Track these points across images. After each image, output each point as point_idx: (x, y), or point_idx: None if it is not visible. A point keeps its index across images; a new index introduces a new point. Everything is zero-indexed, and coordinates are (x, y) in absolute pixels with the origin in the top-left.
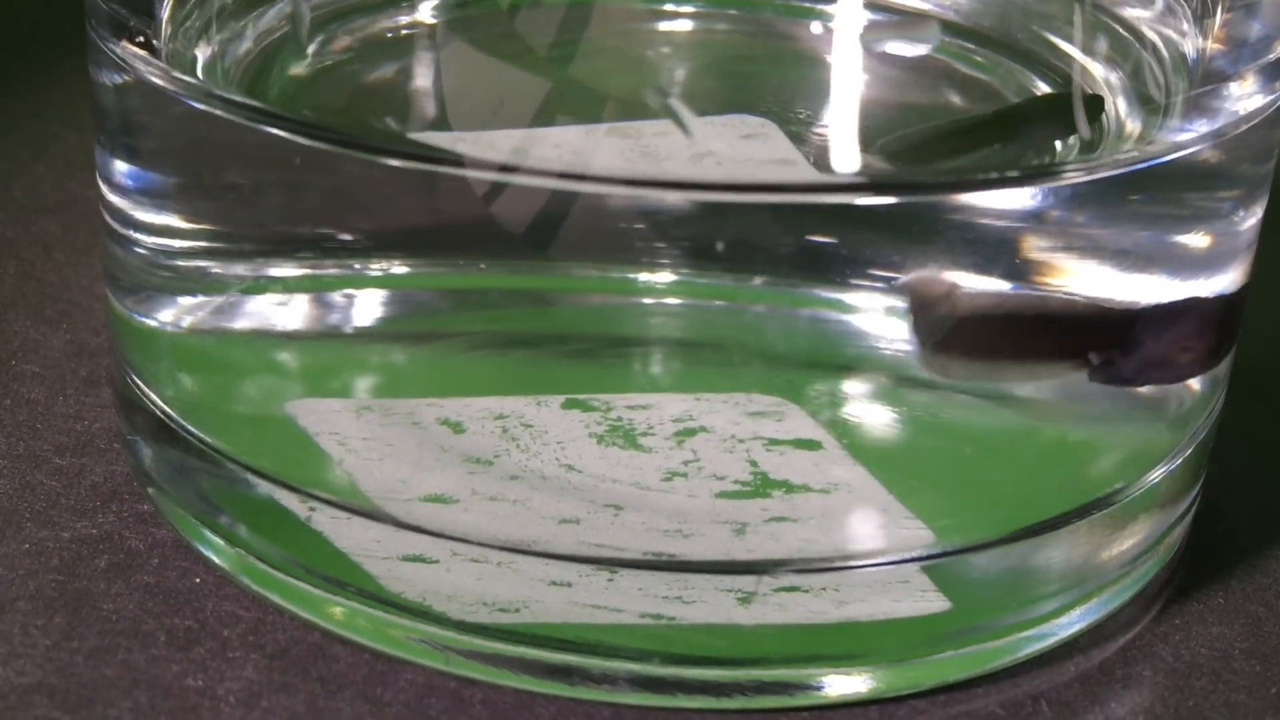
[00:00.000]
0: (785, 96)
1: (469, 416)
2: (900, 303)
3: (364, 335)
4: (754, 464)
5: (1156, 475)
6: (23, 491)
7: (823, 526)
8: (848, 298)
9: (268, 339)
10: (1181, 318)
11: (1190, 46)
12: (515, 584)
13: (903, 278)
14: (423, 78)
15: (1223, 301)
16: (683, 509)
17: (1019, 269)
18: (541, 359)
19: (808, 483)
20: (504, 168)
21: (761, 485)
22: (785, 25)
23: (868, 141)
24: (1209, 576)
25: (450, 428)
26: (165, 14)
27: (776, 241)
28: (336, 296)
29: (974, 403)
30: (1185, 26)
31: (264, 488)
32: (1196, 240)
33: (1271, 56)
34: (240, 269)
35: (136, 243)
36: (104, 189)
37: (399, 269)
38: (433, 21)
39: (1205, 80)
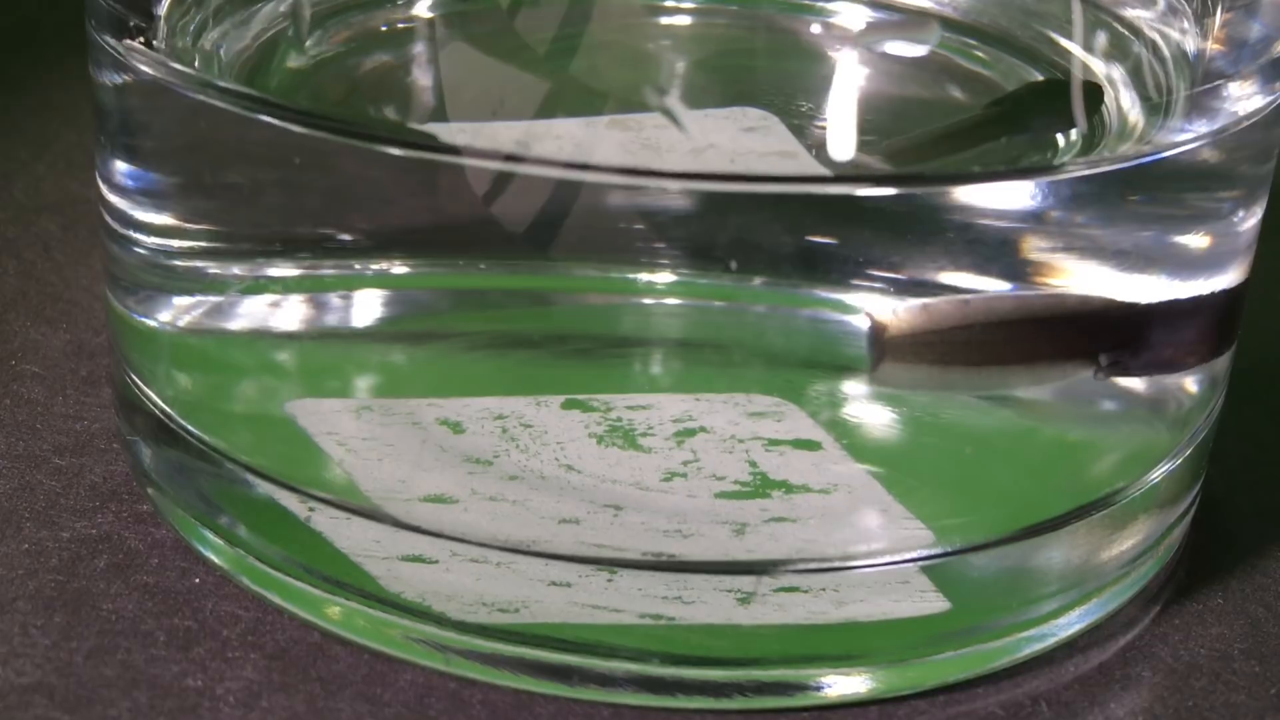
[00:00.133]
0: (786, 90)
1: (469, 416)
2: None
3: (363, 335)
4: (754, 464)
5: (1156, 475)
6: (22, 491)
7: (822, 527)
8: (848, 298)
9: (267, 339)
10: (1190, 318)
11: (1190, 46)
12: (515, 584)
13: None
14: (422, 74)
15: (1222, 301)
16: (682, 509)
17: (1019, 269)
18: (541, 359)
19: (807, 483)
20: (505, 157)
21: (761, 485)
22: (785, 22)
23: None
24: (1208, 577)
25: (450, 428)
26: (163, 12)
27: (777, 241)
28: (336, 296)
29: (974, 403)
30: (1185, 26)
31: (263, 488)
32: (1196, 240)
33: (1271, 56)
34: (240, 269)
35: (136, 242)
36: (104, 189)
37: (399, 269)
38: (431, 16)
39: (1205, 80)
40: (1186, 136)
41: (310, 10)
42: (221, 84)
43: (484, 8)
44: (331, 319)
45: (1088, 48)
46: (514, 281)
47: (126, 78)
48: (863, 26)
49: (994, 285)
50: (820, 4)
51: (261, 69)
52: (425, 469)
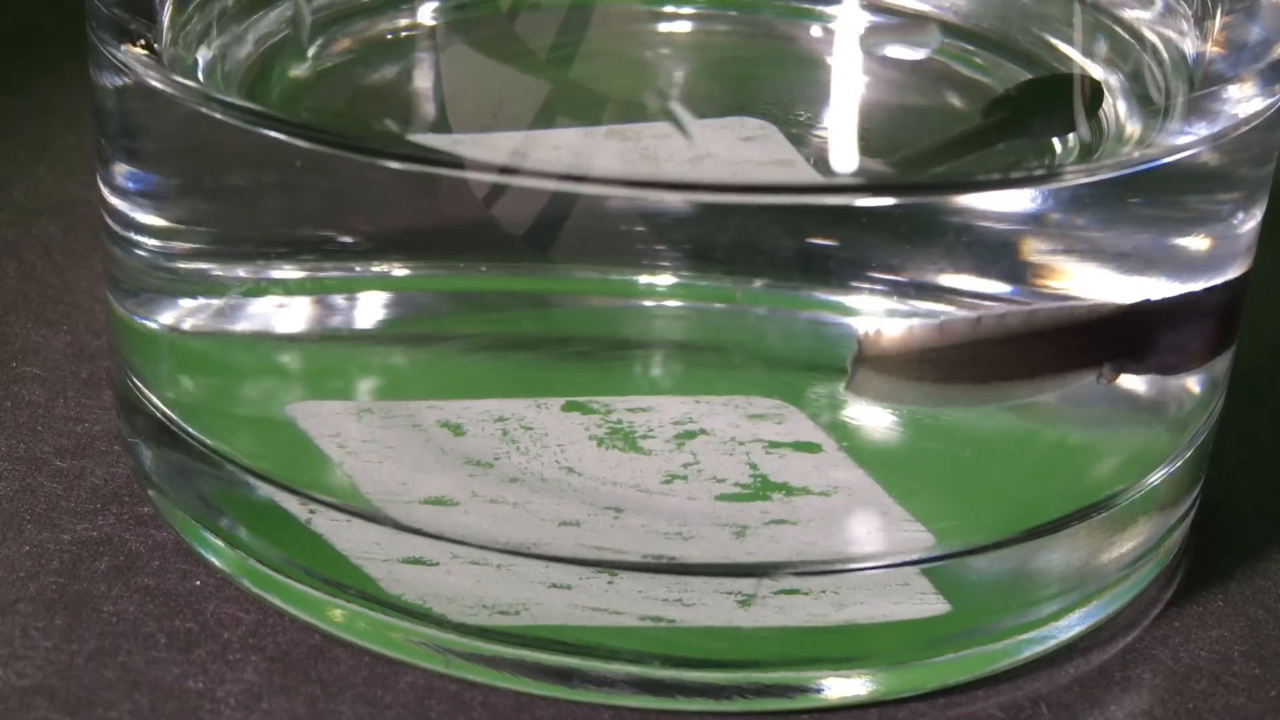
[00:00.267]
0: (785, 98)
1: (469, 419)
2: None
3: (364, 337)
4: (754, 466)
5: (1156, 478)
6: (23, 494)
7: (822, 529)
8: (848, 300)
9: (268, 341)
10: (1190, 319)
11: (1190, 49)
12: (515, 586)
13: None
14: (423, 80)
15: (1222, 303)
16: (683, 511)
17: (1020, 272)
18: (542, 361)
19: (807, 485)
20: (503, 169)
21: (761, 488)
22: (785, 27)
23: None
24: (1208, 579)
25: (450, 430)
26: (166, 18)
27: (777, 244)
28: (337, 299)
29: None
30: (1185, 29)
31: (264, 490)
32: (1196, 242)
33: (1271, 59)
34: (241, 271)
35: (137, 245)
36: (104, 191)
37: (399, 271)
38: (433, 24)
39: (1205, 83)
40: (1186, 139)
41: (312, 18)
42: (222, 97)
43: (485, 14)
44: (332, 321)
45: (1087, 52)
46: (514, 284)
47: (127, 81)
48: (862, 31)
49: (994, 288)
50: (820, 9)
51: (263, 77)
52: (426, 471)
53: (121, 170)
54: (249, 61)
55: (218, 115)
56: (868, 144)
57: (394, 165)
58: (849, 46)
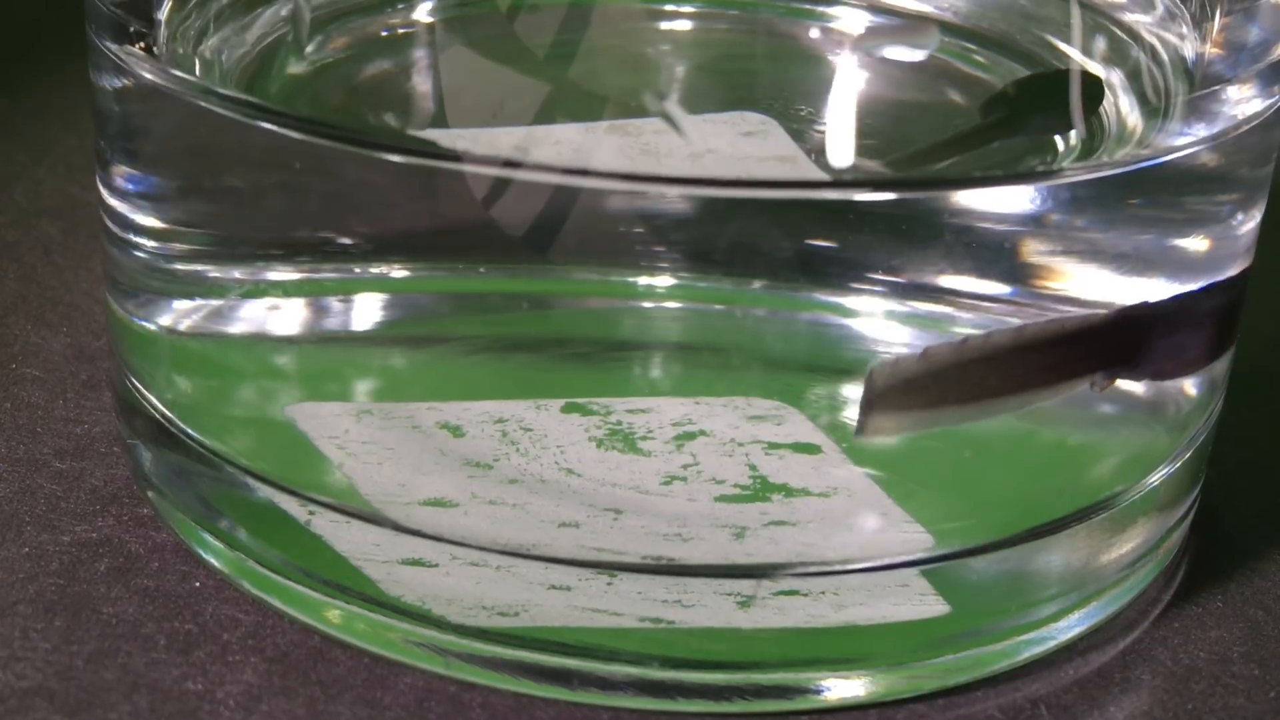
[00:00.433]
0: (785, 94)
1: (469, 420)
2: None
3: (363, 339)
4: (753, 468)
5: (1155, 479)
6: (23, 495)
7: (822, 530)
8: (847, 301)
9: (267, 343)
10: (1189, 321)
11: (1189, 50)
12: (515, 588)
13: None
14: (422, 78)
15: (1221, 304)
16: (682, 513)
17: (1019, 272)
18: (541, 362)
19: (807, 486)
20: (504, 163)
21: (761, 489)
22: (785, 26)
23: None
24: (1208, 580)
25: (450, 431)
26: (164, 17)
27: (776, 245)
28: (336, 300)
29: None
30: (1184, 30)
31: (264, 491)
32: (1195, 243)
33: (1270, 60)
34: (240, 273)
35: (136, 246)
36: (104, 193)
37: (398, 273)
38: (431, 21)
39: (1204, 84)
40: (1185, 140)
41: (310, 15)
42: (222, 91)
43: (484, 12)
44: (331, 323)
45: (1087, 52)
46: (514, 285)
47: (126, 82)
48: (862, 31)
49: (994, 289)
50: (820, 8)
51: (262, 74)
52: (425, 472)
53: (121, 172)
54: (247, 59)
55: (217, 110)
56: (868, 140)
57: (393, 160)
58: (848, 46)
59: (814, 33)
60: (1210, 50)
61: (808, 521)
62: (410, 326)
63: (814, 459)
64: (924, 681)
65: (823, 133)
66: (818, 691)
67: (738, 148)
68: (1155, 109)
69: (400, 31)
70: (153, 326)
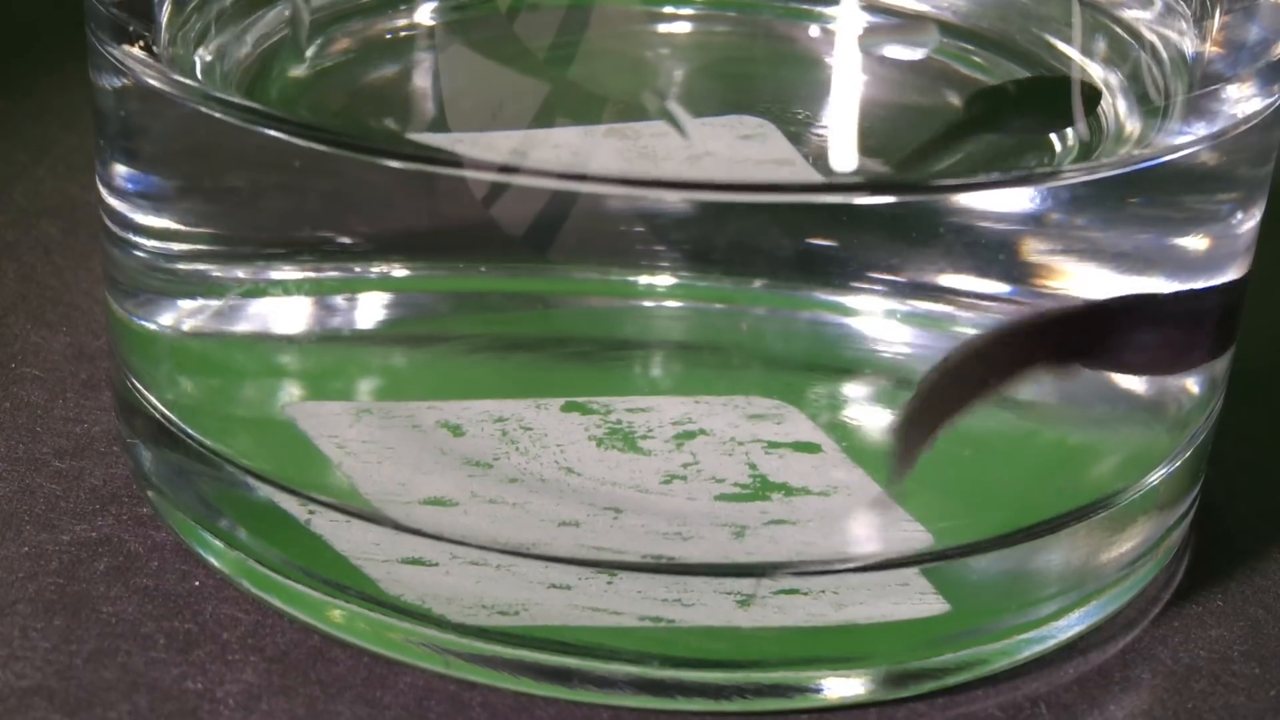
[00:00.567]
0: (784, 97)
1: (469, 419)
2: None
3: (364, 338)
4: (753, 467)
5: (1156, 477)
6: (22, 494)
7: (822, 529)
8: (847, 300)
9: (267, 342)
10: (1189, 319)
11: (1189, 48)
12: (515, 587)
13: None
14: (422, 80)
15: (1221, 303)
16: (682, 512)
17: (1018, 272)
18: (541, 362)
19: (807, 485)
20: (503, 168)
21: (761, 488)
22: (784, 27)
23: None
24: (1208, 579)
25: (450, 430)
26: (164, 18)
27: (776, 244)
28: (336, 299)
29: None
30: (1184, 28)
31: (264, 491)
32: (1195, 242)
33: (1270, 59)
34: (240, 272)
35: (136, 246)
36: (104, 192)
37: (399, 272)
38: (432, 24)
39: (1204, 82)
40: (1185, 139)
41: (310, 18)
42: (221, 96)
43: (483, 14)
44: (332, 322)
45: (1087, 51)
46: (514, 284)
47: (126, 82)
48: (861, 31)
49: (993, 288)
50: (818, 9)
51: (262, 77)
52: (425, 472)
53: (120, 171)
54: (247, 61)
55: (217, 114)
56: (866, 142)
57: (393, 164)
58: (848, 46)
59: (814, 32)
60: (1210, 49)
61: (808, 520)
62: (410, 326)
63: (814, 458)
64: (924, 681)
65: (820, 136)
66: (817, 690)
67: (735, 151)
68: (1155, 108)
69: (400, 34)
70: (153, 326)
